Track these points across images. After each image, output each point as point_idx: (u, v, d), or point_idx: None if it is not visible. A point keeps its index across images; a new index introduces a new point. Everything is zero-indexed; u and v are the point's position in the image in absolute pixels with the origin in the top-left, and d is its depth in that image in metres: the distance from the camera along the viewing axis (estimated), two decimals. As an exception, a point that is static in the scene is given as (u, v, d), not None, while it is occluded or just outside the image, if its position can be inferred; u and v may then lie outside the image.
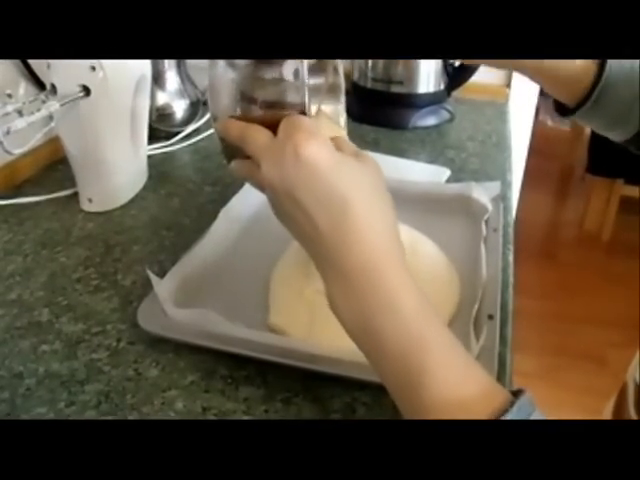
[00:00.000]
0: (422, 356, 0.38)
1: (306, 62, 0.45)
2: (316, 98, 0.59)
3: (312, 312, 0.61)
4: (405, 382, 0.38)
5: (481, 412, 0.36)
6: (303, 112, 0.45)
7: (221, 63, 0.47)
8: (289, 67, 0.45)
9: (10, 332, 0.63)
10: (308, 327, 0.60)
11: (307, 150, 0.40)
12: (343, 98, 0.59)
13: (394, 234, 0.42)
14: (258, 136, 0.44)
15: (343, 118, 0.60)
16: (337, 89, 0.59)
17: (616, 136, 0.61)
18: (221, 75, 0.48)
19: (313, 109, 0.52)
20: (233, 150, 0.49)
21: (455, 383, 0.37)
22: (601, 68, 0.56)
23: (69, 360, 0.59)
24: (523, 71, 0.61)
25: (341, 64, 0.58)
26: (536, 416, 0.36)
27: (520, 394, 0.36)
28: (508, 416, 0.35)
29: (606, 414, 0.77)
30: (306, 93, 0.45)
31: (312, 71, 0.54)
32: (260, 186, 0.46)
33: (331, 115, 0.60)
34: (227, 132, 0.47)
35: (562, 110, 0.62)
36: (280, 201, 0.42)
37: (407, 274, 0.40)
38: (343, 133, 0.60)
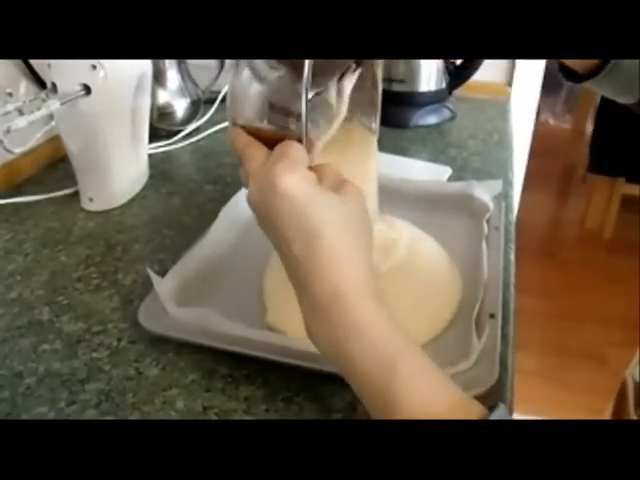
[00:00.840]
0: (391, 376, 0.39)
1: (305, 85, 0.44)
2: (351, 106, 0.59)
3: None
4: (377, 401, 0.40)
5: None
6: (300, 138, 0.45)
7: (245, 74, 0.47)
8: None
9: (11, 331, 0.63)
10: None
11: (285, 182, 0.41)
12: (379, 106, 0.59)
13: (365, 265, 0.43)
14: (254, 156, 0.45)
15: (376, 124, 0.60)
16: (373, 98, 0.59)
17: (625, 100, 0.60)
18: (245, 86, 0.47)
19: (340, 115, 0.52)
20: None
21: (425, 400, 0.38)
22: None
23: (70, 359, 0.59)
24: None
25: (380, 73, 0.58)
26: None
27: (495, 408, 0.37)
28: None
29: (607, 413, 0.77)
30: (304, 119, 0.45)
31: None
32: None
33: (364, 120, 0.60)
34: (232, 142, 0.48)
35: (569, 75, 0.61)
36: (261, 223, 0.44)
37: (377, 302, 0.42)
38: (373, 139, 0.60)
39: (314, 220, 0.41)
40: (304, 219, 0.41)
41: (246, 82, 0.47)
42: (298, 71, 0.45)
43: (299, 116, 0.45)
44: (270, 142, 0.46)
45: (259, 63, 0.47)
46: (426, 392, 0.39)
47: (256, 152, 0.45)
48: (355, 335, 0.40)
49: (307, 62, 0.44)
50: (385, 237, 0.69)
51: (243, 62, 0.47)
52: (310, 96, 0.45)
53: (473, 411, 0.38)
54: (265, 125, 0.46)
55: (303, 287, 0.42)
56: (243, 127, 0.48)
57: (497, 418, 0.36)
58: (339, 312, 0.41)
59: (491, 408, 0.37)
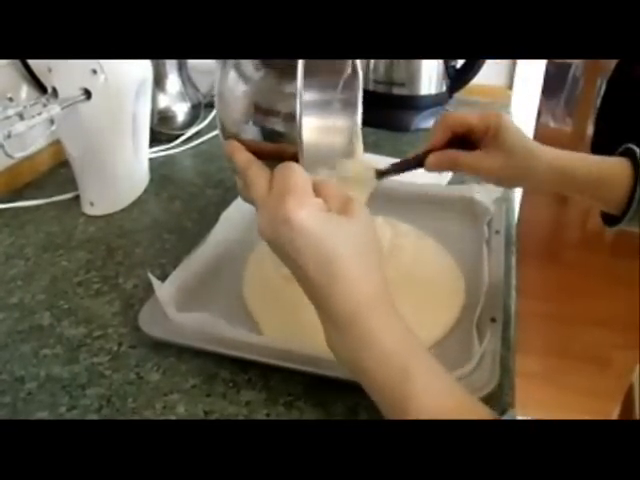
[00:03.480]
0: (405, 386, 0.41)
1: (299, 89, 0.44)
2: (330, 112, 0.59)
3: (296, 316, 0.61)
4: (393, 410, 0.42)
5: None
6: (296, 157, 0.46)
7: (232, 75, 0.48)
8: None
9: (12, 336, 0.63)
10: (301, 332, 0.60)
11: (298, 217, 0.42)
12: (359, 109, 0.59)
13: (377, 282, 0.45)
14: (258, 180, 0.46)
15: (359, 130, 0.60)
16: (353, 100, 0.59)
17: None
18: (232, 87, 0.48)
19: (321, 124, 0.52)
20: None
21: (437, 408, 0.40)
22: (637, 169, 0.58)
23: (70, 364, 0.59)
24: (560, 192, 0.64)
25: (360, 73, 0.57)
26: None
27: (504, 414, 0.40)
28: None
29: (613, 416, 0.77)
30: (301, 140, 0.45)
31: (327, 81, 0.54)
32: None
33: (346, 128, 0.59)
34: (232, 158, 0.49)
35: (610, 221, 0.63)
36: (274, 251, 0.45)
37: (389, 313, 0.44)
38: (359, 149, 0.60)
39: (329, 248, 0.43)
40: (319, 249, 0.42)
41: (233, 83, 0.48)
42: (280, 71, 0.46)
43: (285, 116, 0.45)
44: (265, 152, 0.47)
45: (244, 63, 0.47)
46: (436, 400, 0.41)
47: (259, 175, 0.46)
48: (370, 348, 0.42)
49: (300, 63, 0.44)
50: (390, 242, 0.70)
51: (229, 63, 0.48)
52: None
53: (481, 415, 0.40)
54: (261, 140, 0.47)
55: (322, 307, 0.44)
56: (238, 140, 0.48)
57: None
58: (356, 328, 0.43)
59: (502, 413, 0.39)
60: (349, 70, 0.57)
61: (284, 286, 0.64)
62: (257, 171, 0.47)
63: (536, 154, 0.60)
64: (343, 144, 0.59)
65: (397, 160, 0.62)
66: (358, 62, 0.57)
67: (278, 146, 0.47)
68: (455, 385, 0.42)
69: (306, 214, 0.43)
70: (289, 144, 0.46)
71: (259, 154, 0.47)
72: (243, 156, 0.48)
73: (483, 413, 0.40)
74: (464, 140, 0.61)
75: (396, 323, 0.44)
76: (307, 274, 0.43)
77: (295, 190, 0.43)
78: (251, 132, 0.47)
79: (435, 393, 0.41)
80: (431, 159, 0.61)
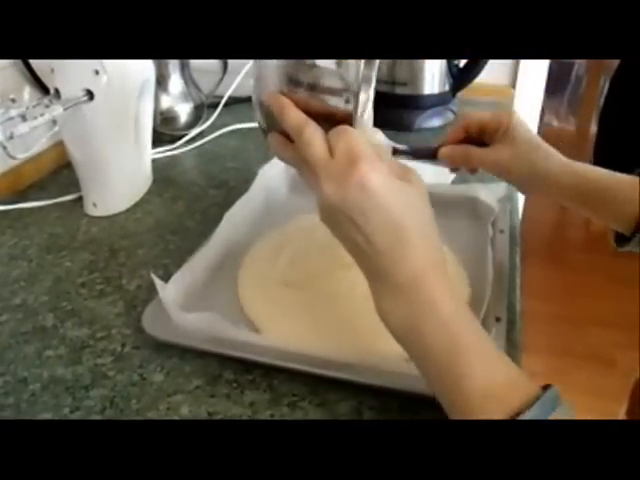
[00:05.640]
0: (460, 353, 0.41)
1: (362, 68, 0.46)
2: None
3: (296, 318, 0.62)
4: (446, 376, 0.42)
5: (510, 402, 0.39)
6: (348, 120, 0.47)
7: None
8: None
9: (15, 337, 0.63)
10: (302, 333, 0.59)
11: (373, 182, 0.43)
12: (373, 84, 0.59)
13: (437, 250, 0.46)
14: (316, 143, 0.46)
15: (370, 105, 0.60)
16: (369, 75, 0.59)
17: None
18: (267, 61, 0.49)
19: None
20: (273, 122, 0.49)
21: (488, 376, 0.41)
22: None
23: (74, 365, 0.59)
24: (570, 204, 0.64)
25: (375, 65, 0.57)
26: (560, 410, 0.38)
27: (548, 388, 0.39)
28: (534, 408, 0.37)
29: (619, 415, 0.77)
30: (359, 102, 0.47)
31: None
32: (300, 172, 0.50)
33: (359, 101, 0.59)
34: (281, 115, 0.48)
35: (621, 241, 0.63)
36: (338, 220, 0.45)
37: (447, 284, 0.45)
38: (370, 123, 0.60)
39: (398, 213, 0.44)
40: (389, 213, 0.43)
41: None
42: None
43: (308, 86, 0.47)
44: (313, 113, 0.47)
45: None
46: (488, 368, 0.41)
47: (317, 136, 0.46)
48: (429, 313, 0.43)
49: None
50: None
51: None
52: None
53: (528, 388, 0.40)
54: (316, 101, 0.47)
55: (381, 274, 0.44)
56: (285, 95, 0.48)
57: (549, 398, 0.38)
58: (418, 292, 0.43)
59: (545, 388, 0.39)
60: None
61: (280, 288, 0.64)
62: (315, 132, 0.46)
63: (544, 151, 0.63)
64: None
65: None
66: None
67: (330, 108, 0.47)
68: (504, 358, 0.43)
69: (380, 178, 0.43)
70: (342, 110, 0.47)
71: (307, 114, 0.47)
72: (296, 114, 0.47)
73: (532, 389, 0.39)
74: (478, 140, 0.66)
75: (452, 292, 0.44)
76: (373, 241, 0.43)
77: (366, 155, 0.44)
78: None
79: (486, 365, 0.41)
80: (444, 150, 0.66)
